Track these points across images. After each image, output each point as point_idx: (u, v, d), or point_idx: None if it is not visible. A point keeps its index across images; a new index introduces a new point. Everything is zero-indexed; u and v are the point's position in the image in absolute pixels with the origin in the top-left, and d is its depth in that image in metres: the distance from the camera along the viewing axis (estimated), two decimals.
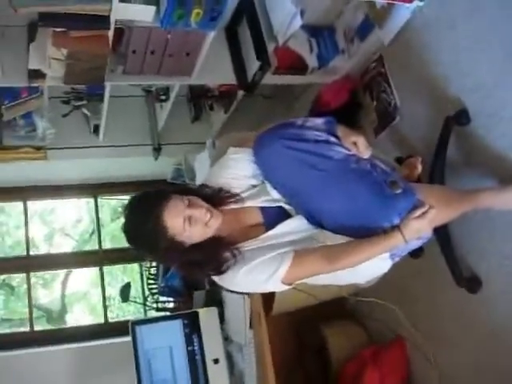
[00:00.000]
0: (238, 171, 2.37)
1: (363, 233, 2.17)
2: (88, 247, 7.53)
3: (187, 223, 2.08)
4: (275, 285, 2.20)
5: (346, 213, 2.17)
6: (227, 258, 2.18)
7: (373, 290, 3.09)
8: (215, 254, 2.18)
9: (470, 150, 2.95)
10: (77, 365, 4.07)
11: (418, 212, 2.15)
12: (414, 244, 2.33)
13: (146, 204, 2.14)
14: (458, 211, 2.53)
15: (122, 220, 2.22)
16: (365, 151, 2.26)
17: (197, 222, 2.11)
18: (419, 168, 2.83)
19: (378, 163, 2.28)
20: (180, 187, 2.42)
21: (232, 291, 2.39)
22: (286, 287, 2.23)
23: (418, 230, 2.18)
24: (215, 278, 2.29)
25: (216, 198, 2.28)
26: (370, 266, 2.24)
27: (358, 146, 2.25)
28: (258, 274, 2.17)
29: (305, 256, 2.17)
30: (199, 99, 4.40)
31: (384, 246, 2.18)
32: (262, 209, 2.32)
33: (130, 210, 2.18)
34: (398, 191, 2.16)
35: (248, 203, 2.31)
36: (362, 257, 2.17)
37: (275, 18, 3.34)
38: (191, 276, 3.18)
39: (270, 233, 2.26)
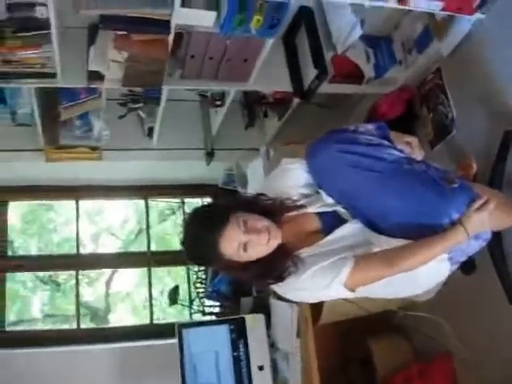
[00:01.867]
0: (292, 181, 2.38)
1: (423, 232, 2.15)
2: (133, 248, 7.57)
3: (241, 249, 2.10)
4: (338, 290, 2.19)
5: (403, 212, 2.16)
6: (288, 266, 2.18)
7: (421, 305, 3.06)
8: (277, 265, 2.19)
9: None
10: (122, 364, 4.10)
11: (478, 204, 2.15)
12: (473, 247, 2.30)
13: (204, 225, 2.15)
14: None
15: (180, 233, 2.25)
16: (418, 152, 2.25)
17: (253, 246, 2.12)
18: (474, 167, 2.80)
19: (431, 164, 2.28)
20: (240, 201, 2.41)
21: (289, 300, 2.40)
22: (349, 293, 2.22)
23: (479, 222, 2.16)
24: (275, 286, 2.30)
25: (277, 208, 2.28)
26: (429, 271, 2.22)
27: (412, 146, 2.24)
28: (320, 279, 2.16)
29: (365, 260, 2.16)
30: (254, 106, 4.40)
31: (446, 244, 2.15)
32: (319, 215, 2.33)
33: (189, 228, 2.22)
34: (455, 185, 2.16)
35: (309, 209, 2.32)
36: (424, 256, 2.15)
37: (335, 27, 3.34)
38: (252, 285, 3.21)
39: (329, 238, 2.26)
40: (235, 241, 2.09)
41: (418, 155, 2.30)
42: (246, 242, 2.10)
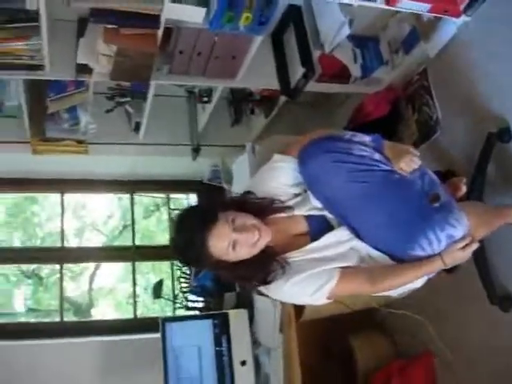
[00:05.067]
0: (283, 180, 2.38)
1: (399, 247, 2.20)
2: (117, 243, 7.58)
3: (231, 248, 2.12)
4: (319, 299, 2.25)
5: (385, 225, 2.19)
6: (275, 269, 2.21)
7: (404, 303, 3.09)
8: (263, 266, 2.22)
9: (509, 167, 2.94)
10: (105, 357, 4.10)
11: (463, 243, 2.20)
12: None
13: (193, 225, 2.17)
14: (495, 227, 2.57)
15: (170, 233, 2.27)
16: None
17: (242, 245, 2.13)
18: (463, 189, 2.81)
19: (428, 173, 2.30)
20: (229, 200, 2.42)
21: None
22: (327, 301, 2.28)
23: (459, 259, 2.23)
24: (262, 288, 2.33)
25: (266, 209, 2.30)
26: None
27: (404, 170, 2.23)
28: (305, 287, 2.21)
29: (350, 276, 2.23)
30: (241, 102, 4.42)
31: (424, 271, 2.24)
32: (307, 218, 2.34)
33: (178, 228, 2.24)
34: (437, 205, 2.18)
35: (296, 212, 2.33)
36: (403, 281, 2.25)
37: (323, 26, 3.36)
38: (239, 285, 3.22)
39: (315, 244, 2.29)
40: (224, 239, 2.11)
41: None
42: (235, 240, 2.11)
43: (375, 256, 2.26)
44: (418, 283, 2.39)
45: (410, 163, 2.20)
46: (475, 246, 2.23)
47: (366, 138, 2.28)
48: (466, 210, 2.28)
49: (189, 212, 2.31)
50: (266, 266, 2.21)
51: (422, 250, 2.16)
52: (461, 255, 2.21)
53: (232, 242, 2.11)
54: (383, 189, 2.19)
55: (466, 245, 2.21)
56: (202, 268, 2.31)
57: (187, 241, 2.16)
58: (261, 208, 2.29)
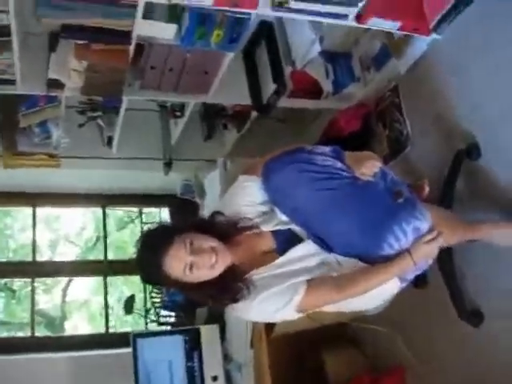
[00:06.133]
0: (249, 198, 2.38)
1: (369, 248, 2.20)
2: (91, 256, 7.53)
3: (188, 270, 2.11)
4: (288, 314, 2.24)
5: (352, 230, 2.19)
6: (240, 289, 2.20)
7: (375, 317, 3.10)
8: (227, 287, 2.20)
9: (478, 184, 2.98)
10: (76, 373, 4.06)
11: (429, 237, 2.21)
12: (422, 265, 2.35)
13: (150, 246, 2.17)
14: (460, 237, 2.63)
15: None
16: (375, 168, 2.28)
17: (199, 267, 2.12)
18: (426, 189, 2.86)
19: (389, 172, 2.34)
20: (193, 222, 2.42)
21: None
22: (299, 315, 2.27)
23: (427, 253, 2.25)
24: (229, 308, 2.32)
25: (231, 230, 2.29)
26: (379, 289, 2.25)
27: (366, 175, 2.27)
28: (272, 305, 2.20)
29: (317, 286, 2.20)
30: (213, 117, 4.42)
31: (394, 271, 2.21)
32: (274, 234, 2.34)
33: (139, 249, 2.22)
34: (400, 200, 2.21)
35: (262, 228, 2.33)
36: (373, 283, 2.21)
37: (294, 43, 3.39)
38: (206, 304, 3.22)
39: (281, 259, 2.27)
40: (180, 261, 2.10)
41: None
42: (191, 262, 2.10)
43: (344, 262, 2.24)
44: (394, 289, 2.35)
45: (371, 167, 2.25)
46: (441, 240, 2.24)
47: (327, 149, 2.32)
48: (430, 210, 2.31)
49: (150, 232, 2.30)
50: (229, 285, 2.20)
51: (391, 248, 2.17)
52: (428, 249, 2.22)
53: (189, 264, 2.10)
54: (349, 194, 2.21)
55: (433, 238, 2.22)
56: (165, 287, 2.31)
57: (145, 261, 2.18)
58: (225, 228, 2.29)
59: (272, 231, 2.34)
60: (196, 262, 2.11)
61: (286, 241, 2.32)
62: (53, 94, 3.40)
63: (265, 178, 2.32)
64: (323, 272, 2.24)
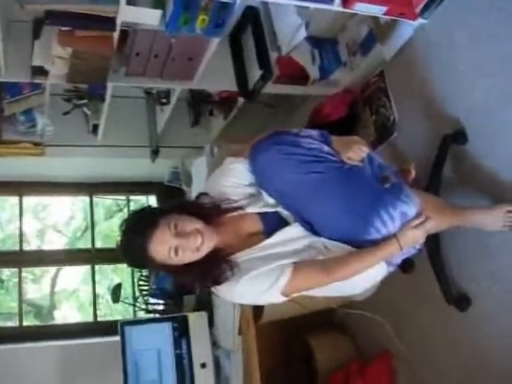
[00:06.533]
0: (235, 180, 2.39)
1: (356, 232, 2.20)
2: (80, 245, 7.51)
3: (173, 252, 2.11)
4: (274, 296, 2.23)
5: (339, 214, 2.20)
6: (224, 270, 2.20)
7: (362, 303, 3.11)
8: (211, 268, 2.20)
9: (464, 169, 2.98)
10: (65, 362, 4.06)
11: (416, 222, 2.22)
12: (409, 250, 2.37)
13: (134, 229, 2.17)
14: (448, 223, 2.64)
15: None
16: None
17: (184, 250, 2.12)
18: (413, 173, 2.89)
19: (376, 157, 2.35)
20: (176, 204, 2.41)
21: None
22: (284, 299, 2.26)
23: (414, 238, 2.25)
24: (213, 289, 2.32)
25: (215, 211, 2.29)
26: (366, 273, 2.26)
27: (353, 159, 2.27)
28: (257, 285, 2.20)
29: (304, 268, 2.20)
30: (199, 104, 4.40)
31: (381, 255, 2.22)
32: (262, 216, 2.34)
33: (123, 232, 2.22)
34: (387, 185, 2.22)
35: (247, 210, 2.33)
36: (360, 266, 2.21)
37: (280, 28, 3.37)
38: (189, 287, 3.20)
39: (268, 241, 2.28)
40: (164, 244, 2.10)
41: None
42: (176, 245, 2.10)
43: (331, 246, 2.24)
44: (380, 273, 2.35)
45: (358, 151, 2.26)
46: (428, 224, 2.24)
47: (314, 133, 2.33)
48: (418, 196, 2.31)
49: (133, 216, 2.29)
50: (214, 267, 2.20)
51: (378, 233, 2.18)
52: (415, 234, 2.23)
53: (174, 247, 2.10)
54: (335, 178, 2.22)
55: (420, 223, 2.23)
56: (150, 269, 2.31)
57: (130, 244, 2.17)
58: (210, 210, 2.29)
59: (260, 214, 2.35)
60: (181, 245, 2.11)
61: (274, 223, 2.33)
62: (37, 81, 3.35)
63: (251, 159, 2.33)
64: (311, 255, 2.24)
